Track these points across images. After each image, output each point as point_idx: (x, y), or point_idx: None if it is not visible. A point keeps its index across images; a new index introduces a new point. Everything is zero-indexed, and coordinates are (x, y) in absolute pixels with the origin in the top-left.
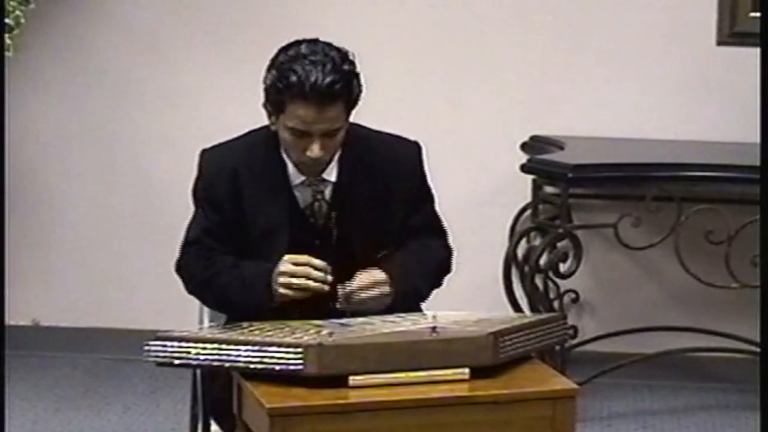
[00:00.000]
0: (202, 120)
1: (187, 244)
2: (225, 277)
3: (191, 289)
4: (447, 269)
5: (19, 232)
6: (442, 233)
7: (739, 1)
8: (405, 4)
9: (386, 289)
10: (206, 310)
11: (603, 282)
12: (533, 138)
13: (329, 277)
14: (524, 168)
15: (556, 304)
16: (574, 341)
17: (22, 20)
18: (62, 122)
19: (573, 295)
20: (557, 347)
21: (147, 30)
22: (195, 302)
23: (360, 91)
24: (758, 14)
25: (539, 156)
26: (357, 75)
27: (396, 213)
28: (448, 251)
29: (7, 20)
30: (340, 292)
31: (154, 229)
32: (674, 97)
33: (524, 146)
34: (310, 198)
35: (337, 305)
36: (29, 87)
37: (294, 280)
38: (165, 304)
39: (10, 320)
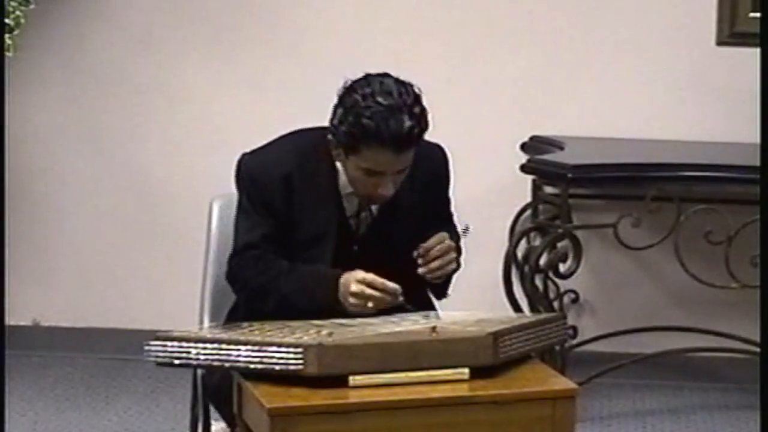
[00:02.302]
0: (202, 120)
1: (241, 251)
2: (284, 283)
3: (246, 295)
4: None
5: (19, 233)
6: (451, 218)
7: (739, 1)
8: (402, 4)
9: (452, 243)
10: (206, 310)
11: (603, 282)
12: (533, 138)
13: (401, 299)
14: (524, 168)
15: (556, 304)
16: (574, 341)
17: (22, 20)
18: (62, 122)
19: (573, 295)
20: (557, 347)
21: (147, 30)
22: (195, 302)
23: (428, 126)
24: (758, 14)
25: (539, 156)
26: (425, 111)
27: (431, 217)
28: (457, 234)
29: (7, 20)
30: (417, 253)
31: (154, 230)
32: (674, 97)
33: (524, 146)
34: (356, 207)
35: (419, 270)
36: (29, 87)
37: (369, 304)
38: (165, 304)
39: (10, 320)
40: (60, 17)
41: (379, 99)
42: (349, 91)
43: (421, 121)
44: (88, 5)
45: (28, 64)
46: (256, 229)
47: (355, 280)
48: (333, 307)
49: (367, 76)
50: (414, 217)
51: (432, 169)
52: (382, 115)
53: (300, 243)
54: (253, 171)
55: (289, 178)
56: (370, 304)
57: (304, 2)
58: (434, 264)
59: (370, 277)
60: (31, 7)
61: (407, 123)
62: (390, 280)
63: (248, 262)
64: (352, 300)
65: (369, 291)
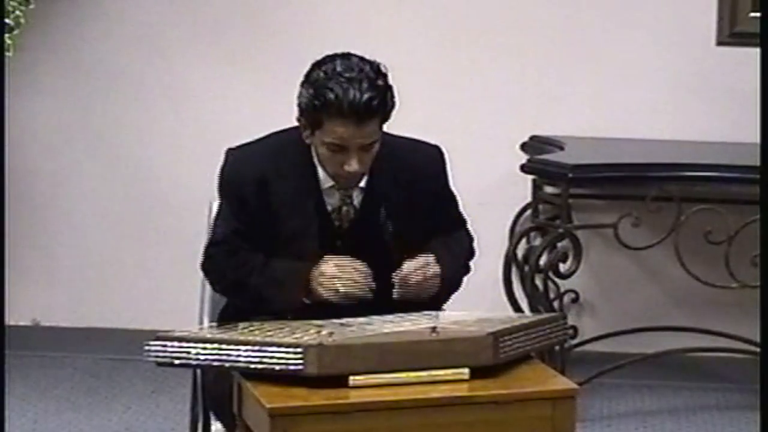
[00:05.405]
0: (204, 119)
1: (215, 244)
2: (257, 276)
3: (221, 288)
4: (472, 254)
5: (20, 233)
6: (463, 223)
7: (739, 1)
8: (403, 5)
9: (437, 270)
10: (206, 310)
11: (603, 282)
12: (533, 138)
13: (373, 284)
14: (524, 168)
15: (556, 304)
16: (574, 341)
17: (22, 20)
18: (62, 122)
19: (573, 295)
20: (557, 347)
21: (147, 29)
22: (195, 302)
23: (394, 104)
24: (758, 14)
25: (539, 156)
26: (391, 88)
27: (422, 217)
28: (470, 237)
29: (7, 20)
30: (395, 278)
31: (154, 230)
32: (674, 97)
33: (524, 146)
34: (338, 202)
35: (394, 294)
36: (29, 87)
37: (339, 284)
38: (165, 304)
39: (10, 320)
40: (60, 17)
41: (341, 72)
42: (313, 68)
43: (383, 94)
44: (88, 5)
45: (28, 64)
46: (231, 224)
47: (325, 263)
48: (303, 299)
49: (332, 55)
50: (400, 213)
51: (421, 168)
52: (342, 86)
53: (282, 240)
54: (228, 169)
55: (264, 179)
56: (339, 285)
57: (308, 3)
58: (410, 292)
59: (340, 258)
60: (31, 7)
61: (367, 93)
62: (377, 275)
63: (223, 256)
64: (321, 280)
65: (335, 270)
